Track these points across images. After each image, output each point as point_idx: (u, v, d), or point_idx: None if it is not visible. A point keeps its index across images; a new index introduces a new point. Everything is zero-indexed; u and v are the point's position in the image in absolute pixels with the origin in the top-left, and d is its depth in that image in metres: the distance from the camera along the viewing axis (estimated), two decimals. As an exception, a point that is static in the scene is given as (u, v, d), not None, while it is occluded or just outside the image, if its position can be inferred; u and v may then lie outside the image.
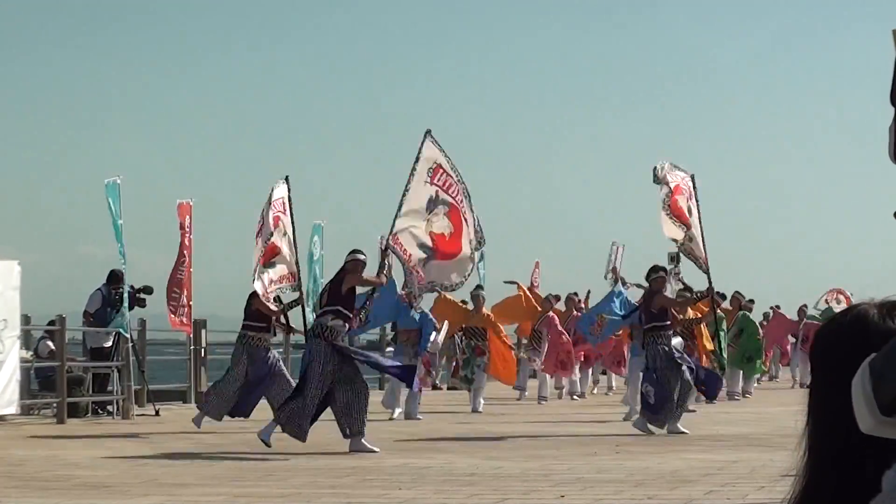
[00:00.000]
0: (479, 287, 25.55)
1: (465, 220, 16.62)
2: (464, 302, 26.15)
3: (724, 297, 27.46)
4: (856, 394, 2.01)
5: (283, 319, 18.59)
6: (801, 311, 34.69)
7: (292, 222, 17.68)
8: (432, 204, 16.51)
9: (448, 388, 28.16)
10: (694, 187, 19.13)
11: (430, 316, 21.96)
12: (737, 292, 28.92)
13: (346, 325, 15.75)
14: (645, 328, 18.09)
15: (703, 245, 18.99)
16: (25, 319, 21.81)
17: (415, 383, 21.22)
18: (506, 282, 27.86)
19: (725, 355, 27.02)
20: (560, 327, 26.46)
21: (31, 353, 21.73)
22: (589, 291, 29.30)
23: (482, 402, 23.41)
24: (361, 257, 15.89)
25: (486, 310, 24.15)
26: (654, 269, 18.60)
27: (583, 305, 28.34)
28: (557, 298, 28.27)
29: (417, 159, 16.50)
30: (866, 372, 2.01)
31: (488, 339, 23.77)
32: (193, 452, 14.88)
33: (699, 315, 23.97)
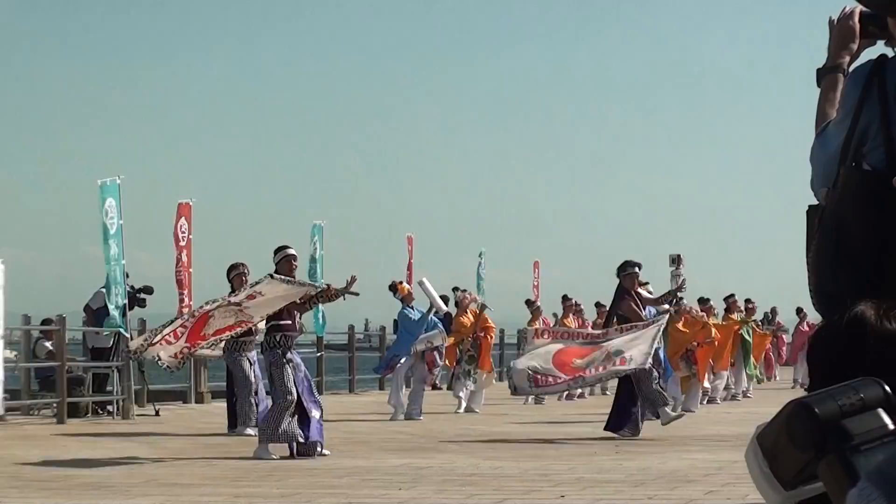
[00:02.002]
0: (463, 290, 25.54)
1: None
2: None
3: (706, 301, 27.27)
4: (753, 473, 2.02)
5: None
6: (799, 312, 34.75)
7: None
8: None
9: (448, 388, 28.12)
10: None
11: (429, 316, 21.99)
12: (730, 296, 28.81)
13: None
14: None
15: None
16: (25, 319, 21.83)
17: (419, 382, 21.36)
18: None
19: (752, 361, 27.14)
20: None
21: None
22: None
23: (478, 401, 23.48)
24: (291, 251, 15.20)
25: (473, 307, 24.19)
26: (624, 266, 17.70)
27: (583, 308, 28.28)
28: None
29: None
30: (758, 451, 2.02)
31: (481, 335, 23.77)
32: (193, 452, 14.88)
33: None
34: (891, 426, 1.93)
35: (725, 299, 27.56)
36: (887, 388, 1.97)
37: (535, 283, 35.31)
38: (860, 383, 1.98)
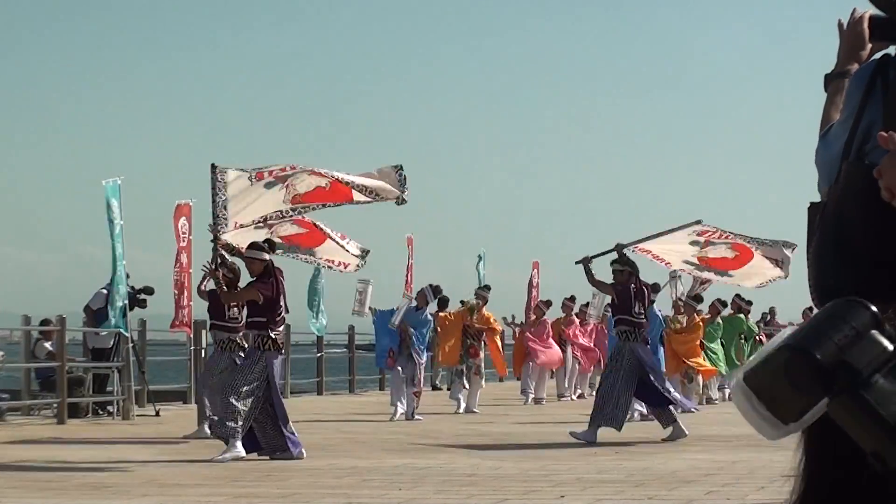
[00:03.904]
0: (485, 287, 25.62)
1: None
2: (463, 302, 26.17)
3: (725, 304, 27.49)
4: (747, 414, 2.01)
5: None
6: (806, 314, 34.65)
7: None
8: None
9: (448, 389, 28.15)
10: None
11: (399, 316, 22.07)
12: (737, 296, 28.93)
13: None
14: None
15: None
16: (25, 320, 21.83)
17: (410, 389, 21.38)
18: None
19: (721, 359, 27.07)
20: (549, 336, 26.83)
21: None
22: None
23: (475, 402, 23.50)
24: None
25: (486, 311, 24.15)
26: (615, 261, 17.47)
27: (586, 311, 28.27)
28: (548, 304, 28.20)
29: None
30: (751, 395, 2.00)
31: (484, 340, 23.78)
32: (193, 453, 14.88)
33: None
34: (890, 348, 1.91)
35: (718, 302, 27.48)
36: (872, 307, 1.95)
37: (535, 283, 35.26)
38: (846, 311, 1.96)
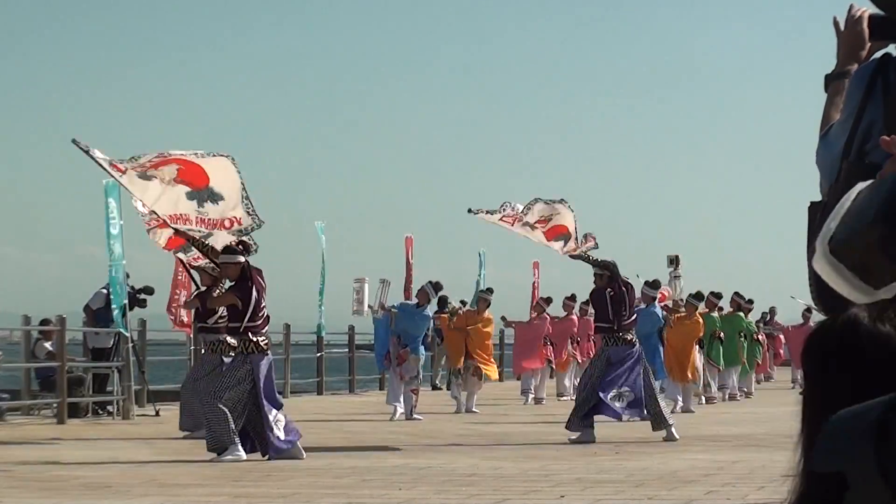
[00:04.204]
0: (488, 290, 25.71)
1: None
2: (463, 302, 26.23)
3: (719, 296, 27.42)
4: (835, 282, 2.09)
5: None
6: (805, 315, 34.72)
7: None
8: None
9: (448, 388, 28.17)
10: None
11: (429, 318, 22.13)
12: (736, 294, 28.91)
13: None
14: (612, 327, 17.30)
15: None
16: (25, 320, 21.82)
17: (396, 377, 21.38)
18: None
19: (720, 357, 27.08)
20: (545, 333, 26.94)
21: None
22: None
23: (474, 402, 23.53)
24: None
25: (488, 314, 24.17)
26: (594, 266, 17.68)
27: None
28: (548, 301, 28.21)
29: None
30: (842, 268, 2.09)
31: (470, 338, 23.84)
32: (193, 453, 14.88)
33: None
34: None
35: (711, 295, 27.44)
36: None
37: (535, 283, 35.28)
38: None
